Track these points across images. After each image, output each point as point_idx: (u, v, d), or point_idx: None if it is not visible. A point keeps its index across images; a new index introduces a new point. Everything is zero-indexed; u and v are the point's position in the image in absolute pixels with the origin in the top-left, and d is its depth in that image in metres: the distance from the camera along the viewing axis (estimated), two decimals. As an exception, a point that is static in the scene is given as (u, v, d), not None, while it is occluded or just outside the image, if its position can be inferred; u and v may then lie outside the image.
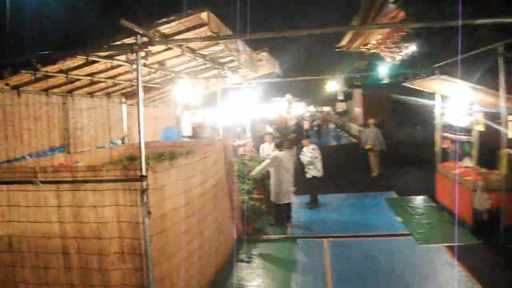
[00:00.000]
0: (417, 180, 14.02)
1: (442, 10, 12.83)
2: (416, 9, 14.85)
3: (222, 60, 8.53)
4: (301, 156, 11.79)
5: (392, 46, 35.51)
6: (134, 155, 9.55)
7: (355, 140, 27.61)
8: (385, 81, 33.24)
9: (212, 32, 4.92)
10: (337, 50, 40.31)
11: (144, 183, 4.89)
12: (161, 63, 6.86)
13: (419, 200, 11.95)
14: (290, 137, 26.13)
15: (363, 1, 26.68)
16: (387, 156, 16.79)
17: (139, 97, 4.94)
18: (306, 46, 56.00)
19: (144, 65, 5.80)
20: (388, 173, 15.99)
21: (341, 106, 41.49)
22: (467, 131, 9.97)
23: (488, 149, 9.90)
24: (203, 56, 7.56)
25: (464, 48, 9.77)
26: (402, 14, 26.79)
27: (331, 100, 47.39)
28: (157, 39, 5.14)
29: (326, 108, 53.00)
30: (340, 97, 40.04)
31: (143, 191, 4.90)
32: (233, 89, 13.17)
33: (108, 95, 8.87)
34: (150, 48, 5.06)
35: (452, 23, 4.93)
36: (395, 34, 33.28)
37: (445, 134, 10.97)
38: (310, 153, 11.46)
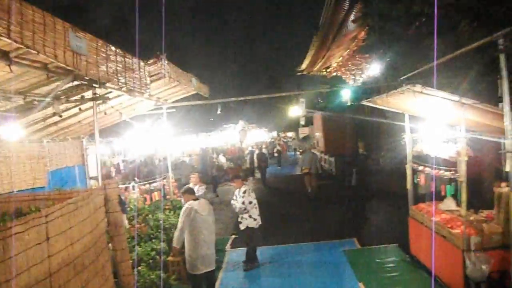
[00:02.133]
0: (384, 220, 11.10)
1: (407, 8, 10.23)
2: (377, 11, 12.13)
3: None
4: (232, 202, 8.73)
5: (354, 68, 33.34)
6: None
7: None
8: (348, 104, 30.94)
9: None
10: (298, 74, 37.97)
11: None
12: None
13: (387, 253, 8.84)
14: (245, 168, 23.19)
15: (321, 22, 24.20)
16: (348, 189, 14.10)
17: None
18: (268, 73, 53.89)
19: None
20: (346, 210, 12.97)
21: (303, 132, 38.83)
22: (449, 163, 7.10)
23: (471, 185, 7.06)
24: (44, 65, 4.49)
25: (440, 54, 7.09)
26: (362, 34, 24.56)
27: (295, 126, 44.87)
28: None
29: (289, 134, 50.36)
30: (302, 122, 37.52)
31: None
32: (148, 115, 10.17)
33: None
34: None
35: None
36: (357, 56, 31.16)
37: (420, 168, 8.04)
38: (241, 197, 8.42)
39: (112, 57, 5.26)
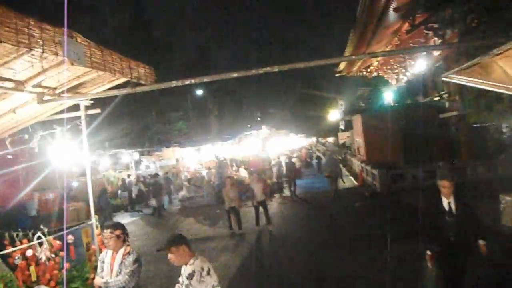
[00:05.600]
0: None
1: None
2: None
3: None
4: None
5: (397, 66, 28.60)
6: None
7: (356, 183, 19.67)
8: (391, 105, 26.29)
9: None
10: (336, 75, 33.57)
11: None
12: None
13: None
14: (272, 183, 18.79)
15: (359, 13, 19.57)
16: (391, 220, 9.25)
17: None
18: (304, 74, 49.52)
19: None
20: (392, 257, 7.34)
21: (343, 137, 34.02)
22: None
23: None
24: None
25: None
26: (406, 26, 19.94)
27: (335, 130, 40.18)
28: None
29: (330, 139, 45.57)
30: (342, 126, 32.85)
31: None
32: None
33: None
34: None
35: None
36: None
37: None
38: (186, 286, 4.01)
39: None
